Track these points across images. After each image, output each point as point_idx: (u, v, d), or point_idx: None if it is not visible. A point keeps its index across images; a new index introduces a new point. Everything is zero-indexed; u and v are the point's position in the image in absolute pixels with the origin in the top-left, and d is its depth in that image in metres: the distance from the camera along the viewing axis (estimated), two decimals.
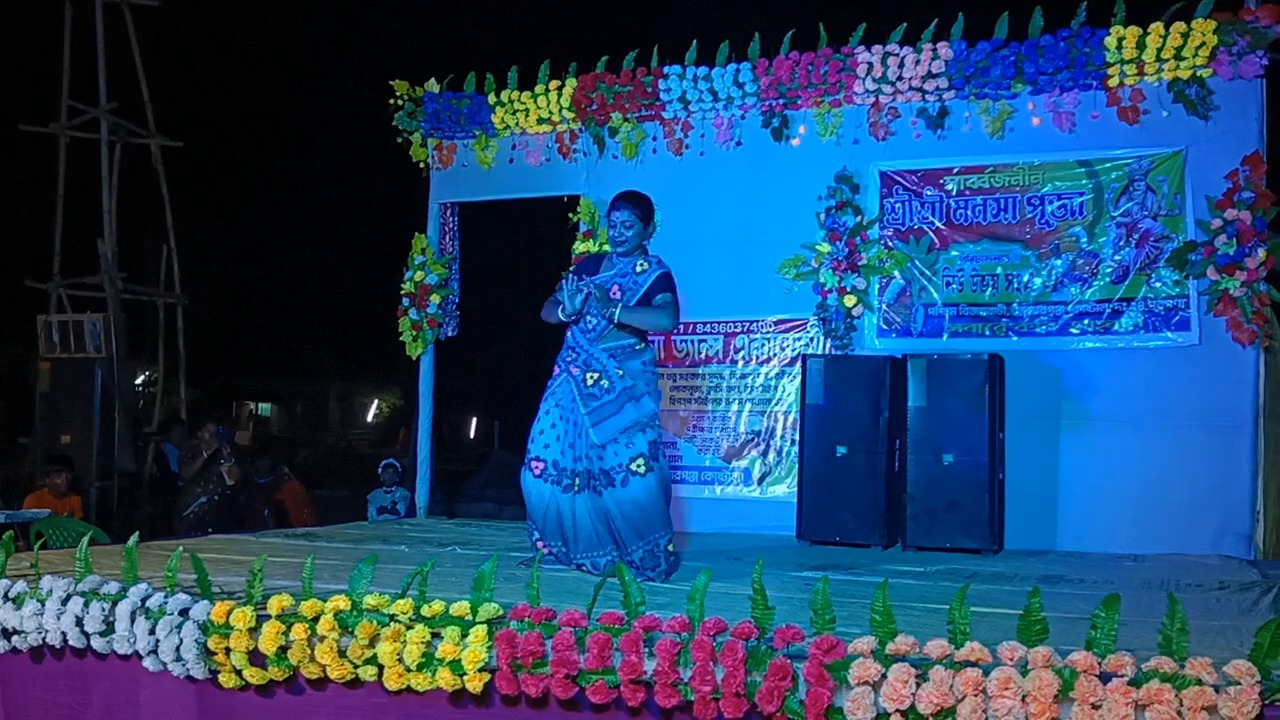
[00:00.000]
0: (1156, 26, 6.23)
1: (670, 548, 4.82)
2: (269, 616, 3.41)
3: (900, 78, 6.73)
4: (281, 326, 27.81)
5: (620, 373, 4.83)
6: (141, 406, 14.63)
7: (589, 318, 4.90)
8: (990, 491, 6.04)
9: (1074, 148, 6.56)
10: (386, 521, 8.35)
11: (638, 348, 4.94)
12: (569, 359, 4.95)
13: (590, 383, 4.84)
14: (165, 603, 3.60)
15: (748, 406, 7.21)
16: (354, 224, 25.26)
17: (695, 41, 7.22)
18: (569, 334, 5.00)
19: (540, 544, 4.96)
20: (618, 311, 4.78)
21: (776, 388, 7.15)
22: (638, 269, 4.93)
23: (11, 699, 3.92)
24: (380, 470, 10.19)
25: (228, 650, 3.43)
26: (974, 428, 6.10)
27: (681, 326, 7.33)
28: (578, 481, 4.82)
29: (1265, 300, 6.00)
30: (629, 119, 7.46)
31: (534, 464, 4.91)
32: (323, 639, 3.32)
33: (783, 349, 7.15)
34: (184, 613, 3.54)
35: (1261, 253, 5.97)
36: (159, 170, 14.05)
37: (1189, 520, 6.09)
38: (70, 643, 3.71)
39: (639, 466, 4.74)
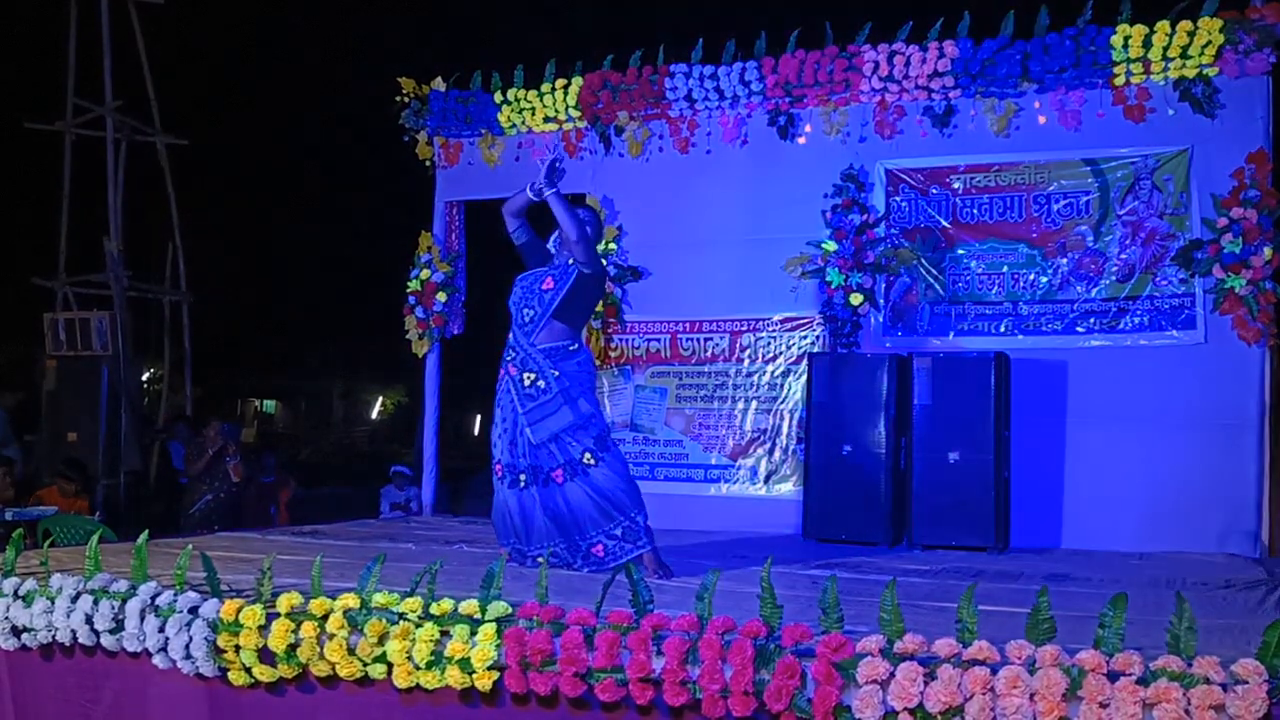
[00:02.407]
0: (1162, 25, 6.22)
1: (648, 524, 4.90)
2: (278, 614, 3.43)
3: (906, 76, 6.73)
4: (286, 324, 27.85)
5: (555, 373, 4.91)
6: (146, 404, 14.67)
7: (525, 309, 5.00)
8: (996, 490, 6.05)
9: (1080, 146, 6.55)
10: (394, 519, 8.36)
11: (571, 348, 5.01)
12: (509, 358, 5.04)
13: (527, 383, 4.93)
14: (175, 601, 3.61)
15: (754, 405, 7.21)
16: (359, 222, 25.30)
17: (701, 40, 7.23)
18: (510, 334, 5.07)
19: (502, 550, 5.03)
20: (543, 185, 4.89)
21: (782, 386, 7.15)
22: (570, 261, 5.02)
23: (22, 696, 3.94)
24: (391, 476, 10.23)
25: (237, 648, 3.45)
26: (980, 426, 6.10)
27: (687, 324, 7.37)
28: (523, 478, 4.93)
29: (1271, 298, 5.99)
30: (635, 117, 7.47)
31: (496, 468, 5.06)
32: (332, 637, 3.33)
33: (789, 347, 7.15)
34: (193, 610, 3.56)
35: (1267, 251, 5.96)
36: (164, 168, 14.09)
37: (1195, 518, 6.09)
38: (80, 640, 3.74)
39: (589, 459, 4.86)
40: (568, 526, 4.85)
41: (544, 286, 4.98)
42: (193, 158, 15.24)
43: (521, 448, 4.93)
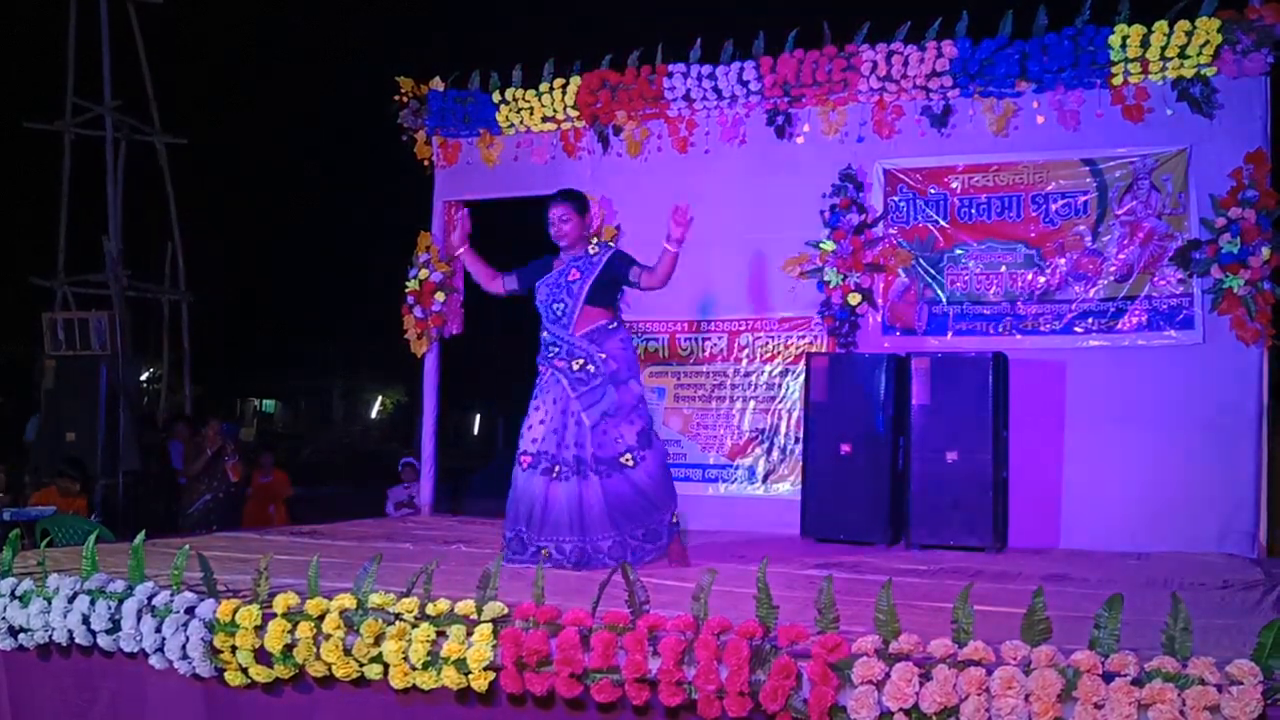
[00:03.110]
0: (1161, 25, 6.22)
1: (673, 520, 5.03)
2: (275, 615, 3.43)
3: (904, 75, 6.72)
4: (286, 323, 27.88)
5: (602, 355, 5.02)
6: (146, 403, 14.66)
7: (555, 305, 5.07)
8: (994, 490, 6.04)
9: (1078, 146, 6.54)
10: (396, 519, 8.35)
11: (610, 327, 5.11)
12: (551, 354, 5.10)
13: (577, 368, 5.01)
14: (171, 601, 3.61)
15: (752, 404, 7.21)
16: (358, 221, 25.30)
17: (699, 39, 7.23)
18: (543, 332, 5.15)
19: (508, 535, 5.08)
20: (669, 252, 4.90)
21: (780, 386, 7.15)
22: (590, 251, 5.14)
23: (19, 697, 3.94)
24: (400, 468, 10.21)
25: (233, 649, 3.45)
26: (978, 426, 6.09)
27: (685, 324, 7.38)
28: (559, 469, 4.96)
29: (1269, 299, 5.98)
30: (633, 117, 7.46)
31: (522, 458, 5.09)
32: (328, 637, 3.33)
33: (787, 347, 7.15)
34: (190, 611, 3.56)
35: (1265, 251, 5.96)
36: (163, 167, 14.09)
37: (1193, 518, 6.08)
38: (77, 641, 3.74)
39: (628, 460, 4.94)
40: (575, 524, 4.88)
41: (570, 279, 5.06)
42: (192, 157, 15.25)
43: (572, 435, 4.97)
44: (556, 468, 4.95)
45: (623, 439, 4.95)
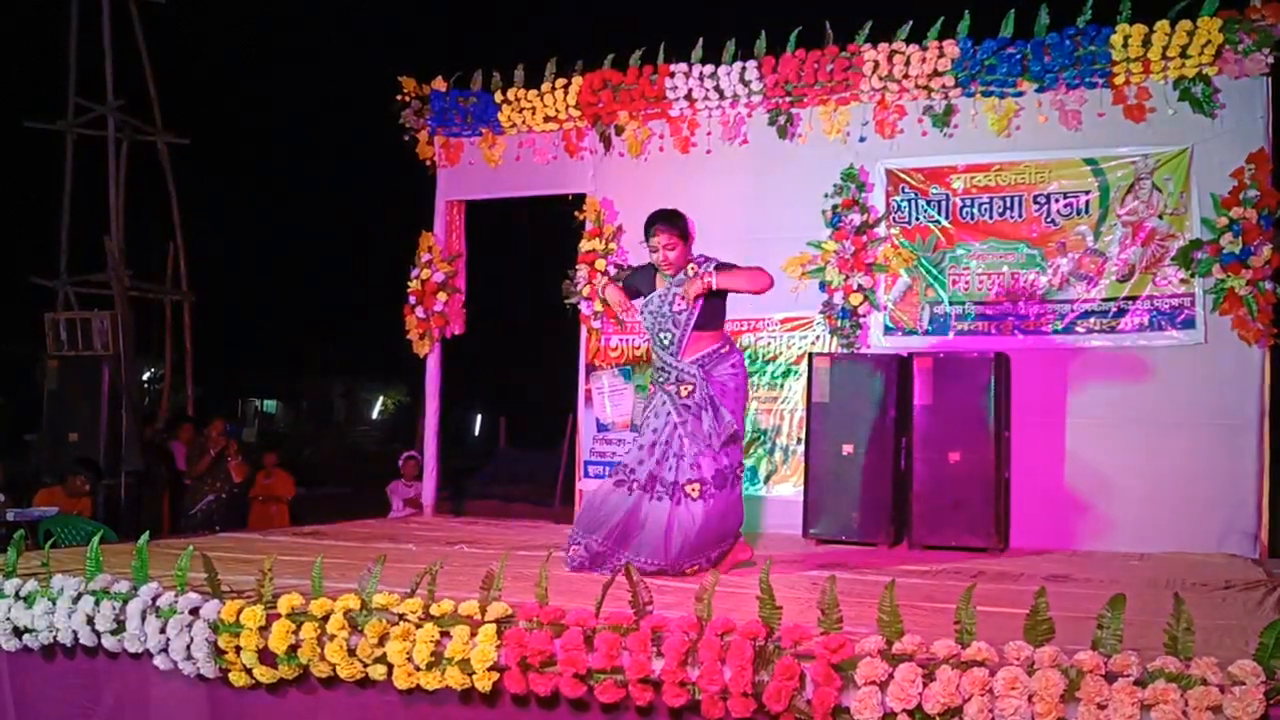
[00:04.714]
0: (1162, 25, 6.23)
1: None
2: (279, 615, 3.44)
3: (906, 75, 6.73)
4: (288, 324, 27.90)
5: (707, 382, 4.89)
6: (147, 404, 14.66)
7: (661, 334, 4.97)
8: (996, 490, 6.05)
9: (1080, 146, 6.54)
10: (399, 518, 8.34)
11: (722, 351, 4.98)
12: (662, 379, 4.99)
13: (684, 395, 4.89)
14: (176, 602, 3.62)
15: (754, 405, 7.20)
16: (360, 221, 25.32)
17: (701, 39, 7.23)
18: (655, 356, 5.04)
19: (575, 546, 4.89)
20: (714, 279, 4.82)
21: (783, 386, 7.15)
22: (690, 272, 4.94)
23: (24, 697, 3.95)
24: (402, 463, 10.15)
25: (238, 649, 3.46)
26: (980, 426, 6.09)
27: None
28: (658, 487, 4.83)
29: (1271, 298, 5.99)
30: (635, 117, 7.47)
31: (619, 470, 4.97)
32: (333, 638, 3.34)
33: (789, 347, 7.15)
34: (194, 611, 3.57)
35: (1267, 250, 5.96)
36: (165, 167, 14.10)
37: (1195, 519, 6.08)
38: (81, 641, 3.75)
39: (693, 490, 4.79)
40: (659, 547, 4.78)
41: (676, 309, 4.91)
42: (194, 157, 15.27)
43: (674, 459, 4.83)
44: (657, 486, 4.81)
45: (700, 468, 4.80)
